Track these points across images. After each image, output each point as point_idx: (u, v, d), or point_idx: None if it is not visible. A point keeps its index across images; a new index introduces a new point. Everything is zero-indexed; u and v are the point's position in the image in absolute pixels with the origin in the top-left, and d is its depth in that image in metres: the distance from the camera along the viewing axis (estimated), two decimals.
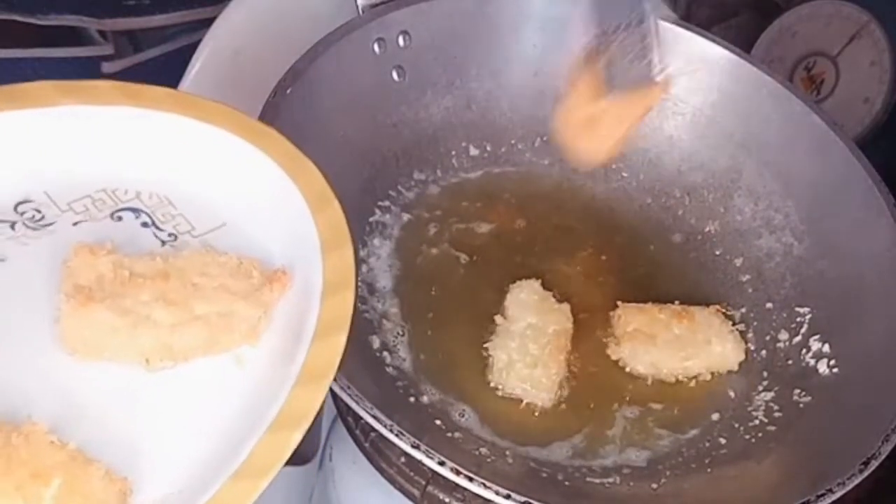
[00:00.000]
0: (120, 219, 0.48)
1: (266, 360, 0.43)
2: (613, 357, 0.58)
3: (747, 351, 0.59)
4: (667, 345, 0.57)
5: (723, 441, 0.55)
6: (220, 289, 0.43)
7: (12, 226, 0.47)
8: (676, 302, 0.60)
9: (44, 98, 0.48)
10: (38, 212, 0.47)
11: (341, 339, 0.41)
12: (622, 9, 0.51)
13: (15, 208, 0.47)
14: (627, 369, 0.57)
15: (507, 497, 0.43)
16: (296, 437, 0.38)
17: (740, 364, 0.58)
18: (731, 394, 0.58)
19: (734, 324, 0.60)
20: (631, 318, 0.58)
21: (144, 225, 0.48)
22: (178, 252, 0.45)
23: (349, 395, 0.45)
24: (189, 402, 0.42)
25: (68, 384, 0.42)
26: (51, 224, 0.47)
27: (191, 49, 0.72)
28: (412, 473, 0.51)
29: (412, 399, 0.53)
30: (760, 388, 0.58)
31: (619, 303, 0.59)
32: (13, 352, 0.42)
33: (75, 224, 0.47)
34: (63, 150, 0.48)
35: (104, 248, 0.43)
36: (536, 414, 0.54)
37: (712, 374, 0.58)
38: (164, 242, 0.47)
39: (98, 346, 0.42)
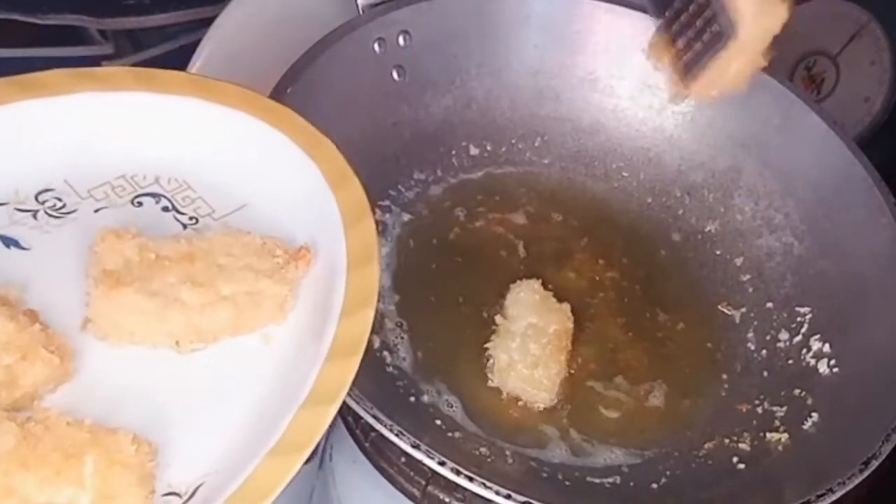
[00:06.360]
0: (140, 204, 0.48)
1: (294, 338, 0.43)
2: None
3: (748, 351, 0.59)
4: None
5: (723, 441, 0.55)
6: (245, 268, 0.43)
7: (34, 215, 0.47)
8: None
9: (59, 86, 0.49)
10: (59, 200, 0.48)
11: (369, 314, 0.41)
12: None
13: (36, 197, 0.47)
14: None
15: (508, 497, 0.43)
16: (330, 413, 0.38)
17: None
18: None
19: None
20: None
21: (165, 209, 0.48)
22: (201, 234, 0.45)
23: (349, 394, 0.44)
24: (220, 382, 0.42)
25: (99, 369, 0.42)
26: (72, 212, 0.47)
27: (191, 48, 0.72)
28: (412, 473, 0.51)
29: (412, 399, 0.53)
30: (761, 387, 0.58)
31: None
32: None
33: (97, 211, 0.47)
34: (80, 137, 0.49)
35: (129, 233, 0.43)
36: (536, 413, 0.54)
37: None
38: (185, 226, 0.47)
39: (128, 330, 0.42)
